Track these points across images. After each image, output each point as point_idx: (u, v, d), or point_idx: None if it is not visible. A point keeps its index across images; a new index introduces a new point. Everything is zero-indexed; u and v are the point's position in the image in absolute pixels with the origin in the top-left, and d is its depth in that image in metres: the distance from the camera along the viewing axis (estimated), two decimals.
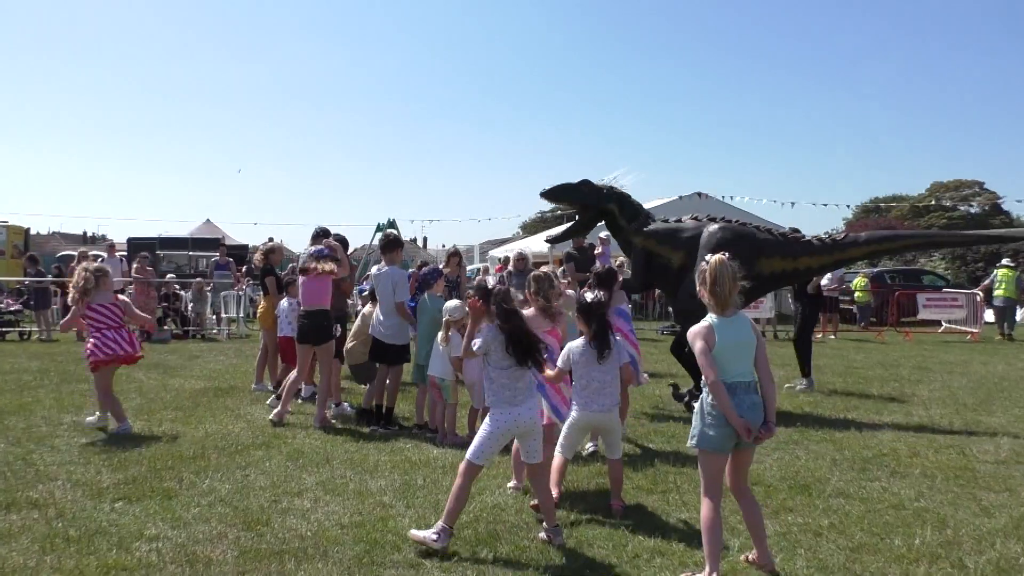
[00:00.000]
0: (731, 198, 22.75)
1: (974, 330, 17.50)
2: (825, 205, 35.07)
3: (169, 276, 18.67)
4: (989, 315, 18.90)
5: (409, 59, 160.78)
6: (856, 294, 19.95)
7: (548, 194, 8.37)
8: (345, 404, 7.94)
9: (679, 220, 8.32)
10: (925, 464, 5.95)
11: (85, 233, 61.96)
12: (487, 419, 4.31)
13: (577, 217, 8.75)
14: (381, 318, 7.18)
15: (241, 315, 16.29)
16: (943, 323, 18.68)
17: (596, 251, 11.68)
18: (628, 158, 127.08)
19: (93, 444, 6.30)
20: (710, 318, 3.79)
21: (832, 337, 16.96)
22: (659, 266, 8.08)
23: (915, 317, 18.80)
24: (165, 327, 15.40)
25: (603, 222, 8.52)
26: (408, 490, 5.17)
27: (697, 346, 3.74)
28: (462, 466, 4.23)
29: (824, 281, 17.09)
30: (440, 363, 6.57)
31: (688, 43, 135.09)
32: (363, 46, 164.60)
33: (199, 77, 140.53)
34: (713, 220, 8.16)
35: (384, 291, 7.18)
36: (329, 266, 7.24)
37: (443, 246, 57.68)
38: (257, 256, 9.03)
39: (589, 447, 6.16)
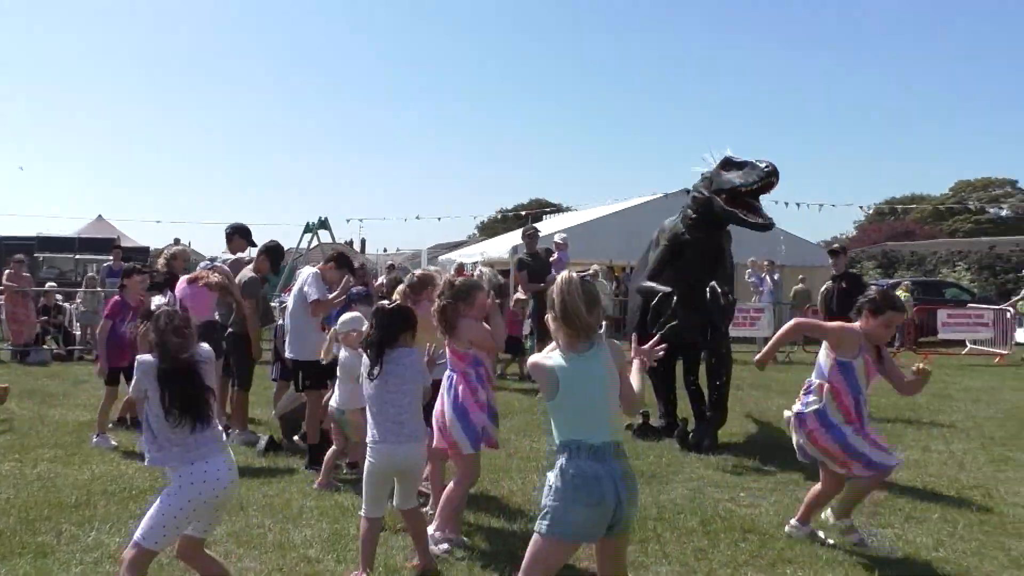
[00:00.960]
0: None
1: (1003, 352, 17.92)
2: (834, 206, 36.14)
3: (50, 284, 18.26)
4: (1021, 334, 19.35)
5: (347, 30, 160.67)
6: None
7: None
8: (257, 435, 8.01)
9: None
10: (945, 508, 6.08)
11: None
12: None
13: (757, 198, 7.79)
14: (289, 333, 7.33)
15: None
16: (967, 343, 19.10)
17: (552, 258, 11.73)
18: (605, 153, 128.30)
19: None
20: (553, 357, 3.46)
21: None
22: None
23: (935, 336, 19.16)
24: (44, 346, 15.10)
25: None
26: (338, 541, 5.13)
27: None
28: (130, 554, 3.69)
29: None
30: (338, 393, 6.43)
31: (675, 22, 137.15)
32: (286, 13, 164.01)
33: (91, 46, 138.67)
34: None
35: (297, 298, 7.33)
36: (217, 279, 7.65)
37: (384, 250, 57.52)
38: (160, 262, 8.96)
39: None
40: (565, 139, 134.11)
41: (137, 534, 3.68)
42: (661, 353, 3.77)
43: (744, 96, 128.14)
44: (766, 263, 17.82)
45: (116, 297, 8.37)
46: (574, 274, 3.50)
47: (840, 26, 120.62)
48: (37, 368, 13.52)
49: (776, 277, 18.20)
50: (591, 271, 14.49)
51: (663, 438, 8.22)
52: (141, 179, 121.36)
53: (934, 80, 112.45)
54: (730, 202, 7.55)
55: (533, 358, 3.52)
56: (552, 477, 3.41)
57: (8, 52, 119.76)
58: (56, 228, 30.48)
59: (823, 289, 10.93)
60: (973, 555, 5.08)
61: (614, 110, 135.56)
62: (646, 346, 3.73)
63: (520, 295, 12.92)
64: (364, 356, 4.60)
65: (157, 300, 8.41)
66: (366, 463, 4.55)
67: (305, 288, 7.18)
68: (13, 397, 10.23)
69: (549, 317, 3.48)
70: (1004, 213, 56.57)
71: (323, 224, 23.81)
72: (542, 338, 11.63)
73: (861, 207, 55.72)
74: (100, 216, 33.18)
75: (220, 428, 3.87)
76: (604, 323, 3.68)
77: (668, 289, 7.85)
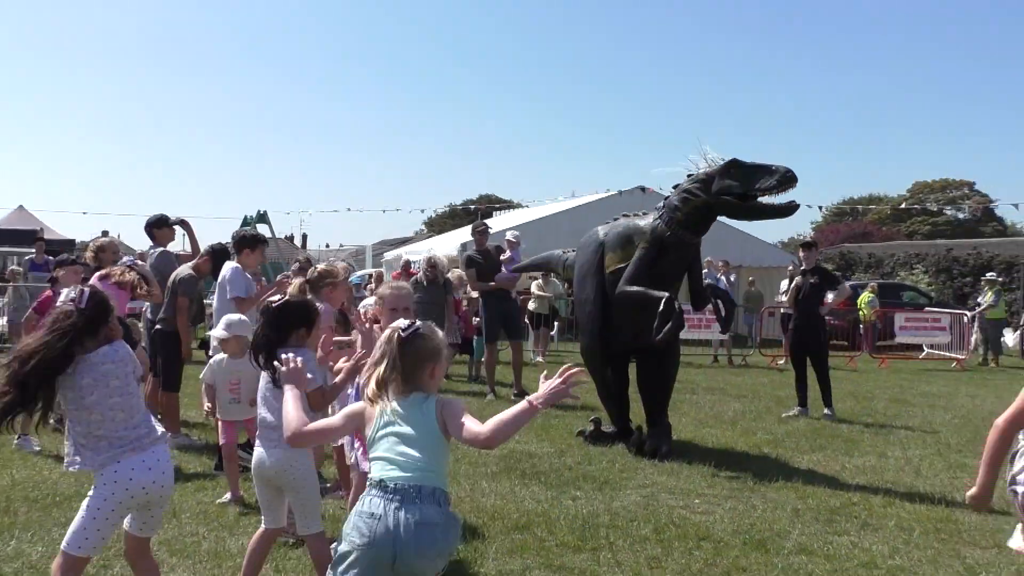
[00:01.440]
0: None
1: (960, 356, 18.37)
2: (809, 208, 36.40)
3: None
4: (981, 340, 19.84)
5: (292, 12, 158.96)
6: (860, 312, 20.05)
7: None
8: (191, 438, 8.03)
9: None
10: (901, 515, 6.21)
11: None
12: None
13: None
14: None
15: None
16: (924, 348, 19.55)
17: (503, 256, 11.72)
18: (557, 149, 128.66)
19: None
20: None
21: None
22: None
23: (892, 340, 19.58)
24: None
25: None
26: (276, 550, 5.08)
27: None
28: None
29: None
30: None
31: (629, 14, 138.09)
32: None
33: (13, 25, 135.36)
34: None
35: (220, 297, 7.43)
36: (131, 276, 7.41)
37: (326, 245, 57.10)
38: (87, 255, 8.78)
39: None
40: (517, 133, 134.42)
41: (64, 541, 3.63)
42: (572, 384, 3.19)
43: (701, 92, 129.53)
44: (722, 263, 18.02)
45: (48, 292, 8.04)
46: (400, 328, 3.22)
47: (799, 23, 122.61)
48: None
49: (732, 278, 18.45)
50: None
51: (615, 443, 8.29)
52: (66, 168, 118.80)
53: (894, 78, 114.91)
54: (739, 205, 7.64)
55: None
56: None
57: None
58: None
59: (793, 284, 11.08)
60: (929, 563, 5.20)
61: (567, 104, 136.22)
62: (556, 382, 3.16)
63: (473, 294, 12.91)
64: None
65: (65, 293, 8.27)
66: None
67: (227, 285, 7.25)
68: None
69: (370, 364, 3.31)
70: (962, 215, 57.98)
71: (262, 218, 23.60)
72: (490, 339, 11.66)
73: (820, 207, 56.48)
74: (21, 206, 32.34)
75: (144, 428, 3.69)
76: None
77: (666, 294, 7.71)
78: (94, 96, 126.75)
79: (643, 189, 22.59)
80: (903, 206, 52.42)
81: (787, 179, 7.38)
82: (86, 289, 3.67)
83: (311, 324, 4.35)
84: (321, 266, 6.10)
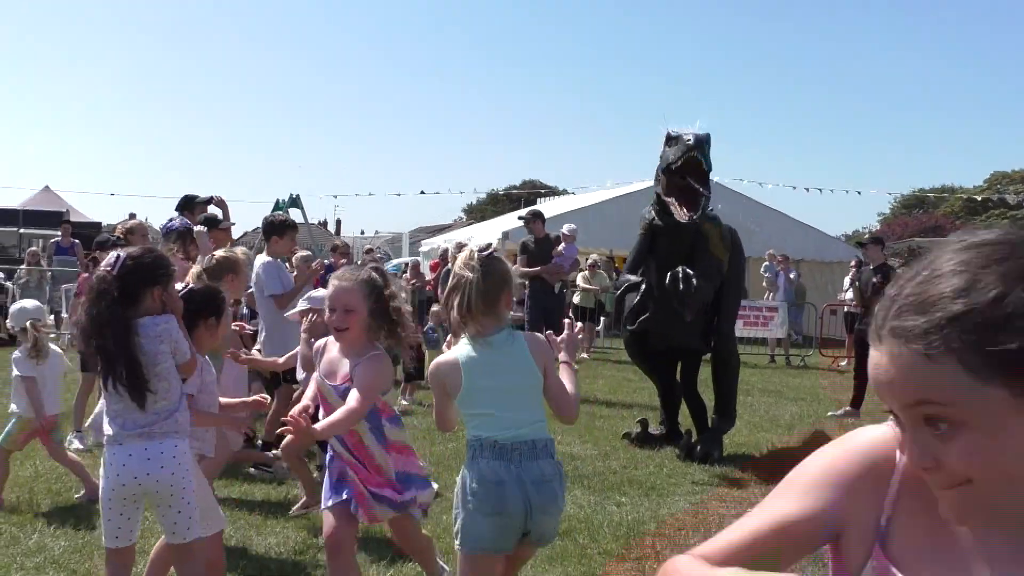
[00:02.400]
0: (740, 180, 23.17)
1: None
2: (859, 193, 36.03)
3: None
4: None
5: None
6: None
7: (706, 144, 7.26)
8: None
9: None
10: None
11: None
12: None
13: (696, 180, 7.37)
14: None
15: None
16: None
17: (558, 248, 11.76)
18: (605, 133, 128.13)
19: None
20: (456, 350, 3.40)
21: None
22: (714, 268, 7.81)
23: None
24: None
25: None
26: (306, 550, 5.17)
27: (433, 386, 3.44)
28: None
29: (851, 295, 17.54)
30: None
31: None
32: None
33: (44, 10, 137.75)
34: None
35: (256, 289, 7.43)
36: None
37: (361, 232, 57.40)
38: (117, 235, 8.87)
39: None
40: (562, 117, 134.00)
41: None
42: (561, 344, 3.63)
43: (756, 77, 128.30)
44: (780, 258, 17.84)
45: (86, 274, 8.06)
46: (474, 248, 3.38)
47: (875, 7, 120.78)
48: None
49: (792, 275, 18.20)
50: (589, 260, 14.60)
51: (663, 446, 8.26)
52: (93, 149, 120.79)
53: (972, 62, 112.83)
54: (667, 185, 7.40)
55: (436, 359, 3.44)
56: (458, 482, 3.35)
57: None
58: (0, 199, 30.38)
59: (861, 280, 11.03)
60: None
61: (616, 86, 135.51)
62: (558, 338, 3.62)
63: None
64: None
65: (105, 260, 8.41)
66: None
67: (262, 283, 7.26)
68: None
69: (444, 305, 3.43)
70: None
71: (295, 202, 23.76)
72: (534, 330, 11.67)
73: (890, 193, 55.69)
74: (47, 187, 32.98)
75: (165, 416, 3.65)
76: (512, 310, 3.52)
77: (637, 278, 7.80)
78: (121, 75, 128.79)
79: None
80: (979, 198, 51.50)
81: (687, 150, 7.01)
82: (121, 254, 3.64)
83: (220, 313, 4.30)
84: (220, 253, 5.82)
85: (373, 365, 3.70)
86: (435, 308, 12.23)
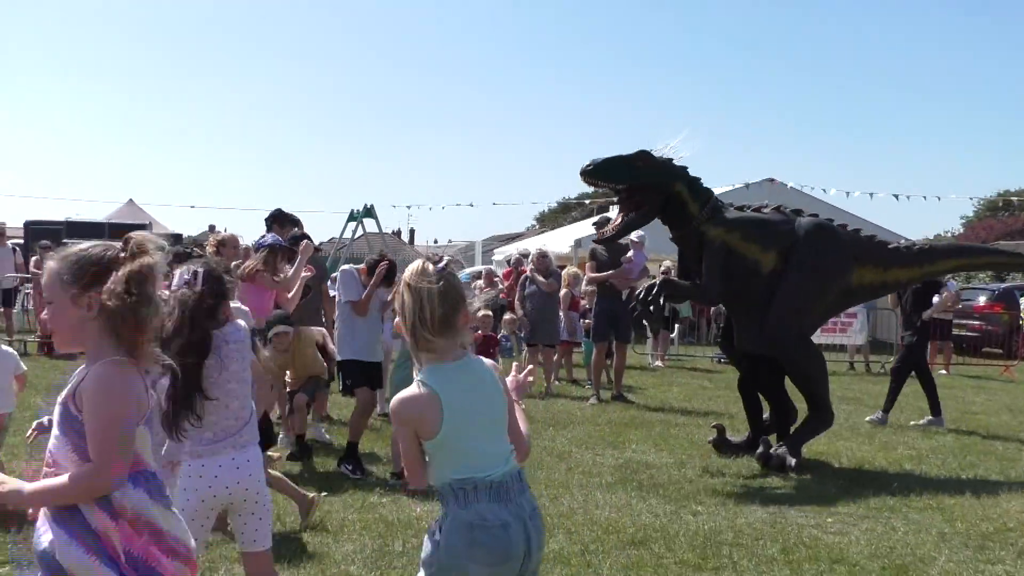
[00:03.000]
0: (811, 188, 22.69)
1: None
2: (939, 199, 35.21)
3: None
4: None
5: (391, 5, 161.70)
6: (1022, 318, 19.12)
7: (594, 172, 7.76)
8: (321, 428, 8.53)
9: (757, 209, 8.37)
10: None
11: None
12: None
13: (620, 202, 8.19)
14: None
15: None
16: None
17: (626, 255, 11.68)
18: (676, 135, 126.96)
19: None
20: (422, 376, 2.86)
21: (943, 372, 16.88)
22: (743, 269, 7.81)
23: None
24: None
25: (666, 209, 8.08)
26: (383, 558, 5.20)
27: (400, 432, 2.92)
28: None
29: (933, 300, 17.08)
30: None
31: (753, 9, 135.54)
32: None
33: (126, 25, 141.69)
34: (798, 213, 8.33)
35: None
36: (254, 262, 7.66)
37: (434, 241, 57.83)
38: (208, 248, 9.00)
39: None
40: (635, 122, 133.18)
41: None
42: (531, 380, 3.28)
43: (836, 80, 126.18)
44: None
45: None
46: (428, 264, 2.90)
47: (947, 12, 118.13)
48: (63, 362, 13.84)
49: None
50: (663, 267, 14.47)
51: (742, 455, 8.15)
52: (175, 162, 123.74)
53: None
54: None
55: (398, 396, 2.89)
56: (437, 533, 2.86)
57: (40, 30, 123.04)
58: (86, 212, 31.21)
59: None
60: None
61: (695, 91, 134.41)
62: (521, 375, 3.25)
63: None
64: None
65: (179, 275, 8.60)
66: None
67: (340, 289, 7.65)
68: (40, 392, 10.52)
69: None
70: None
71: (368, 212, 24.02)
72: (599, 338, 11.66)
73: (971, 198, 54.13)
74: (131, 200, 33.82)
75: (246, 421, 3.73)
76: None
77: (661, 280, 8.23)
78: (201, 88, 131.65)
79: (772, 181, 22.16)
80: None
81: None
82: (199, 270, 3.69)
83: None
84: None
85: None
86: (508, 316, 12.27)
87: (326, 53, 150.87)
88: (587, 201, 40.80)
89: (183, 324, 3.50)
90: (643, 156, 7.70)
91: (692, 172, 7.87)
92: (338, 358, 7.72)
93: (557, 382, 12.86)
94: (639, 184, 7.79)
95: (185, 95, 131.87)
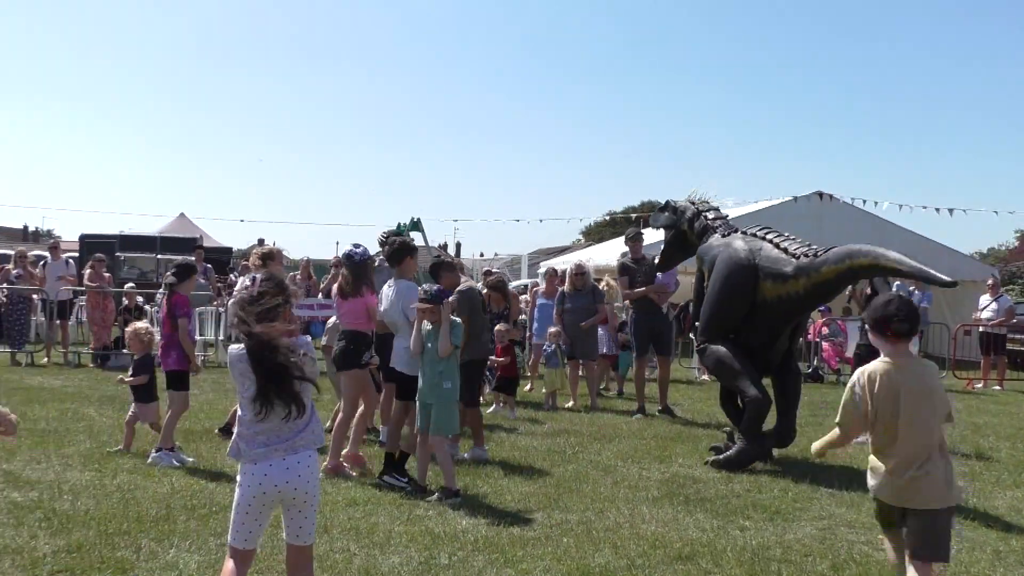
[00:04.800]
0: (862, 202, 22.38)
1: None
2: (996, 213, 34.29)
3: (128, 285, 19.04)
4: None
5: (439, 21, 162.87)
6: None
7: (651, 223, 10.84)
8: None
9: (730, 233, 9.11)
10: None
11: (26, 228, 63.80)
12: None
13: (665, 240, 10.35)
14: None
15: (221, 337, 16.58)
16: None
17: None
18: (725, 150, 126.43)
19: (27, 500, 6.47)
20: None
21: (997, 387, 16.58)
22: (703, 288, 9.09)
23: None
24: (124, 350, 15.71)
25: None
26: (428, 571, 5.21)
27: None
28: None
29: (987, 314, 16.81)
30: None
31: (800, 17, 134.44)
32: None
33: (178, 41, 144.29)
34: (744, 232, 8.90)
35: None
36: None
37: (480, 254, 57.93)
38: (253, 261, 9.05)
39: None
40: (679, 135, 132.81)
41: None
42: None
43: (894, 91, 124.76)
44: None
45: (181, 294, 8.27)
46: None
47: (995, 25, 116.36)
48: (116, 373, 14.07)
49: (927, 292, 17.56)
50: None
51: (788, 471, 8.06)
52: (225, 176, 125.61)
53: None
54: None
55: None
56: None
57: (93, 50, 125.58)
58: (138, 226, 31.74)
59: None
60: None
61: (745, 104, 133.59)
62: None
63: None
64: None
65: (240, 281, 8.77)
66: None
67: (403, 303, 7.50)
68: (92, 404, 10.73)
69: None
70: None
71: (415, 225, 24.20)
72: (640, 353, 11.62)
73: None
74: (183, 214, 34.38)
75: (302, 428, 3.88)
76: None
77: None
78: (250, 104, 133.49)
79: (820, 195, 21.92)
80: None
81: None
82: (258, 275, 3.95)
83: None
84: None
85: None
86: (553, 329, 12.25)
87: (375, 68, 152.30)
88: (633, 216, 40.68)
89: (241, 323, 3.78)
90: (667, 205, 10.19)
91: (714, 210, 9.65)
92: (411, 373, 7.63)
93: (602, 395, 12.84)
94: (665, 226, 10.18)
95: (235, 111, 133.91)
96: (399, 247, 7.86)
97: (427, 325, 7.03)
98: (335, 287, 8.44)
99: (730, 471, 8.05)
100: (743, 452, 8.23)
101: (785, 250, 8.31)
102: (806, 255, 8.07)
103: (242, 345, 3.81)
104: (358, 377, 7.87)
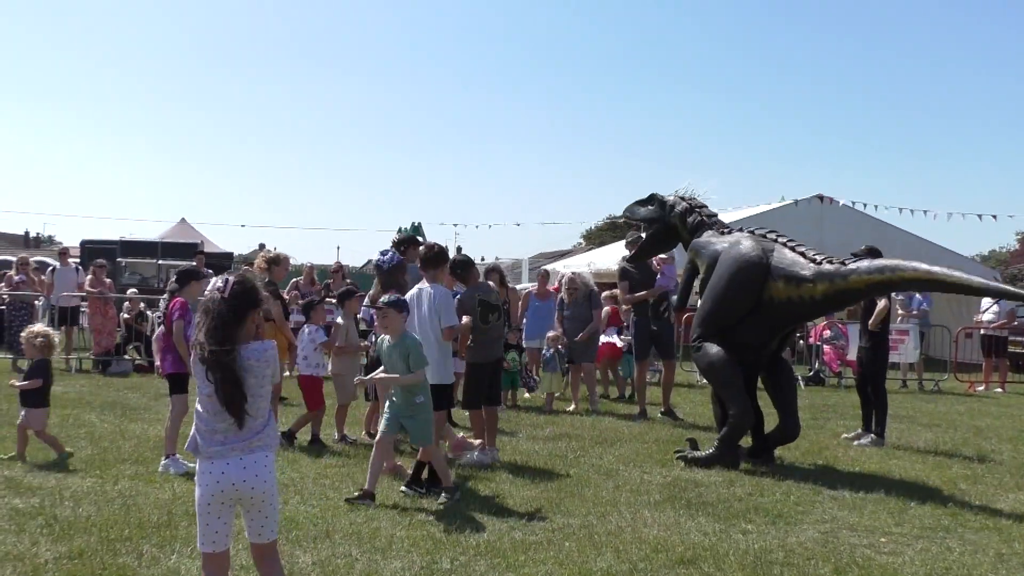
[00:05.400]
0: (862, 205, 22.42)
1: None
2: (995, 217, 34.27)
3: (131, 291, 19.05)
4: None
5: (439, 24, 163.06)
6: None
7: (624, 213, 10.47)
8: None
9: (730, 231, 9.19)
10: None
11: (27, 234, 63.84)
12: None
13: (645, 234, 10.43)
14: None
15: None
16: None
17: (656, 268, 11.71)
18: (724, 154, 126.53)
19: (28, 507, 6.46)
20: None
21: (999, 390, 16.59)
22: (701, 285, 9.15)
23: None
24: (125, 356, 15.74)
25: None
26: (431, 575, 5.21)
27: None
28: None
29: (988, 316, 16.82)
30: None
31: (802, 21, 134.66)
32: (382, 5, 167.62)
33: (178, 46, 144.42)
34: (751, 234, 8.89)
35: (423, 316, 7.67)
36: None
37: (481, 258, 58.04)
38: (258, 265, 9.03)
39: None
40: (680, 138, 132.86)
41: None
42: None
43: (894, 95, 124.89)
44: None
45: (180, 298, 8.11)
46: None
47: (992, 32, 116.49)
48: (118, 379, 14.11)
49: (927, 296, 17.58)
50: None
51: (788, 474, 8.07)
52: (226, 181, 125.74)
53: None
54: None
55: None
56: None
57: (95, 53, 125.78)
58: (139, 231, 31.75)
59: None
60: None
61: (744, 108, 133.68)
62: None
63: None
64: None
65: (304, 333, 8.82)
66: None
67: (440, 313, 7.56)
68: (94, 409, 10.73)
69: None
70: None
71: (416, 230, 24.27)
72: (640, 356, 11.62)
73: None
74: (184, 219, 34.39)
75: (258, 430, 3.97)
76: None
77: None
78: (251, 109, 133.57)
79: (821, 198, 21.93)
80: None
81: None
82: (231, 278, 3.99)
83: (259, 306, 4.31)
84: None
85: None
86: (552, 333, 12.28)
87: (376, 72, 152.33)
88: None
89: (208, 326, 3.88)
90: (651, 197, 10.08)
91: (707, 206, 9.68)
92: (441, 382, 7.69)
93: (604, 399, 12.86)
94: (648, 219, 10.13)
95: (236, 116, 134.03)
96: (439, 252, 7.93)
97: (385, 340, 7.02)
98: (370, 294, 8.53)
99: (694, 465, 8.25)
100: (713, 458, 8.34)
101: (803, 254, 8.41)
102: (830, 262, 8.22)
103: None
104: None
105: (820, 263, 8.19)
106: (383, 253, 8.19)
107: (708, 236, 9.25)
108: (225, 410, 3.83)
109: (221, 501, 3.93)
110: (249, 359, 3.90)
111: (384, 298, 7.07)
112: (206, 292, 4.06)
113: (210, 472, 3.90)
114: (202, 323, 3.90)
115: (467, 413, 8.99)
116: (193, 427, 3.99)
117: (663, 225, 9.90)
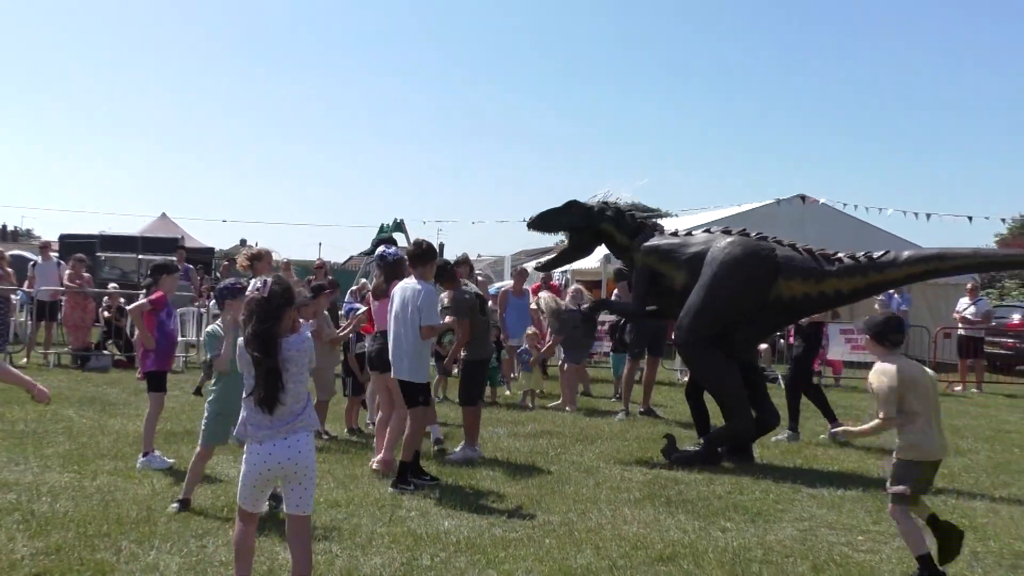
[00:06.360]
0: (843, 205, 22.49)
1: None
2: (970, 219, 34.77)
3: (111, 285, 18.92)
4: None
5: (421, 20, 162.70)
6: None
7: (535, 224, 9.59)
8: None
9: (688, 234, 9.22)
10: None
11: (5, 227, 63.28)
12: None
13: (567, 241, 9.95)
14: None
15: (202, 338, 16.47)
16: None
17: None
18: (709, 153, 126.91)
19: (5, 502, 6.42)
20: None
21: (975, 390, 16.71)
22: (663, 287, 9.00)
23: None
24: (104, 351, 15.63)
25: (604, 244, 9.77)
26: (411, 572, 5.20)
27: None
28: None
29: (967, 315, 16.93)
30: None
31: (789, 25, 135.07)
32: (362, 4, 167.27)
33: (157, 40, 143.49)
34: (727, 233, 8.89)
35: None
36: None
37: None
38: (241, 261, 8.93)
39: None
40: (662, 136, 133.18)
41: None
42: None
43: (875, 95, 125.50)
44: None
45: (160, 292, 7.93)
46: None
47: (975, 32, 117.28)
48: (97, 375, 13.99)
49: (905, 294, 17.71)
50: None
51: (768, 472, 8.10)
52: (207, 176, 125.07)
53: None
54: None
55: None
56: None
57: (74, 47, 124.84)
58: (118, 226, 31.50)
59: None
60: None
61: (726, 106, 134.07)
62: None
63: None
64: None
65: (252, 284, 8.73)
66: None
67: (422, 311, 7.40)
68: (72, 405, 10.66)
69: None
70: None
71: (399, 226, 24.19)
72: (636, 355, 11.62)
73: (1004, 220, 53.53)
74: (164, 214, 34.12)
75: (299, 413, 4.45)
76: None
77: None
78: (232, 104, 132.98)
79: (803, 198, 22.00)
80: None
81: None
82: (268, 280, 4.46)
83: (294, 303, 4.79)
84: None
85: None
86: (530, 331, 12.32)
87: (359, 67, 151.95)
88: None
89: (252, 325, 4.38)
90: (572, 205, 9.54)
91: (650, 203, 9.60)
92: (407, 378, 7.52)
93: (583, 397, 12.88)
94: (572, 227, 9.58)
95: (218, 111, 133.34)
96: (427, 249, 7.79)
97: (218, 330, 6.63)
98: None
99: (675, 463, 8.30)
100: (697, 456, 8.38)
101: (809, 252, 8.54)
102: (841, 260, 8.39)
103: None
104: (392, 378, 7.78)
105: (832, 261, 8.40)
106: (388, 247, 8.22)
107: (665, 239, 9.15)
108: (262, 401, 4.32)
109: (267, 479, 4.50)
110: (289, 350, 4.40)
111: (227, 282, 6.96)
112: (247, 293, 4.61)
113: (258, 453, 4.42)
114: (246, 323, 4.40)
115: (456, 410, 8.99)
116: (241, 415, 4.49)
117: (592, 232, 9.54)
